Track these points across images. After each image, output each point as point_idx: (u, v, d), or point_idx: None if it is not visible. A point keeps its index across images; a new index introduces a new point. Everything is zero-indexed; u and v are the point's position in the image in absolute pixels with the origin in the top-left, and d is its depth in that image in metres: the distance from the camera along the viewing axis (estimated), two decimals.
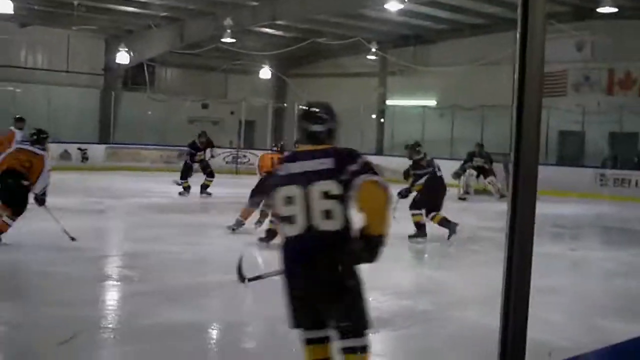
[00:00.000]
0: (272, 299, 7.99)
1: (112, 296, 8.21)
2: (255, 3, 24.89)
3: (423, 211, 12.31)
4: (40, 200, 10.55)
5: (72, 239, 10.55)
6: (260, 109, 32.48)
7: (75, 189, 19.44)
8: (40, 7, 25.04)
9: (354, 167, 4.13)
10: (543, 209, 12.72)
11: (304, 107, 4.69)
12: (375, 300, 7.90)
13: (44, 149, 10.71)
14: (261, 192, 11.89)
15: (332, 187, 4.14)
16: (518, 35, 1.86)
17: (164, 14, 26.01)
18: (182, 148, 27.70)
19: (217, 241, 11.96)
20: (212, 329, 6.92)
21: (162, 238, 11.80)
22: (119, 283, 8.66)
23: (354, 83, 31.94)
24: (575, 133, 25.94)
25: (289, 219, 4.25)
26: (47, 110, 26.82)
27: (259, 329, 7.01)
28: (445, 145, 26.64)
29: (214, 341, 6.65)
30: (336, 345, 4.25)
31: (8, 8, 19.62)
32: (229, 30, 23.89)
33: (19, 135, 16.20)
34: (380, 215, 4.03)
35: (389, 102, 32.03)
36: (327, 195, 4.14)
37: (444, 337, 6.77)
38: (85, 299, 7.52)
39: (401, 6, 20.79)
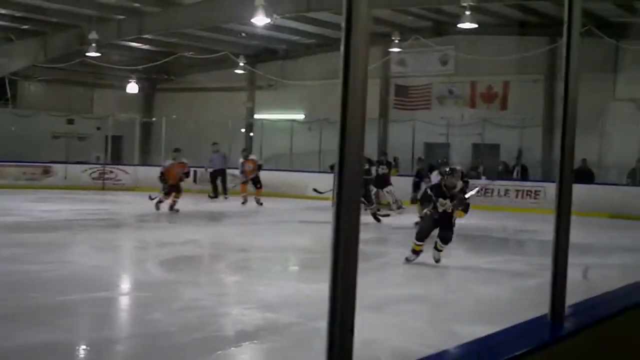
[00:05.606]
0: (141, 316, 7.94)
1: None
2: (121, 17, 24.58)
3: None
4: None
5: None
6: (128, 123, 31.96)
7: None
8: None
9: None
10: (407, 220, 13.03)
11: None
12: (240, 314, 7.90)
13: None
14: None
15: None
16: (342, 50, 1.91)
17: (26, 26, 25.30)
18: (46, 164, 27.13)
19: (80, 259, 11.66)
20: (78, 349, 6.72)
21: (21, 257, 11.34)
22: None
23: (222, 97, 31.95)
24: (440, 145, 26.65)
25: None
26: None
27: (127, 347, 6.87)
28: (313, 158, 26.96)
29: None
30: None
31: None
32: (94, 44, 23.46)
33: None
34: None
35: (257, 116, 32.13)
36: None
37: (307, 349, 6.79)
38: None
39: (268, 20, 20.87)
